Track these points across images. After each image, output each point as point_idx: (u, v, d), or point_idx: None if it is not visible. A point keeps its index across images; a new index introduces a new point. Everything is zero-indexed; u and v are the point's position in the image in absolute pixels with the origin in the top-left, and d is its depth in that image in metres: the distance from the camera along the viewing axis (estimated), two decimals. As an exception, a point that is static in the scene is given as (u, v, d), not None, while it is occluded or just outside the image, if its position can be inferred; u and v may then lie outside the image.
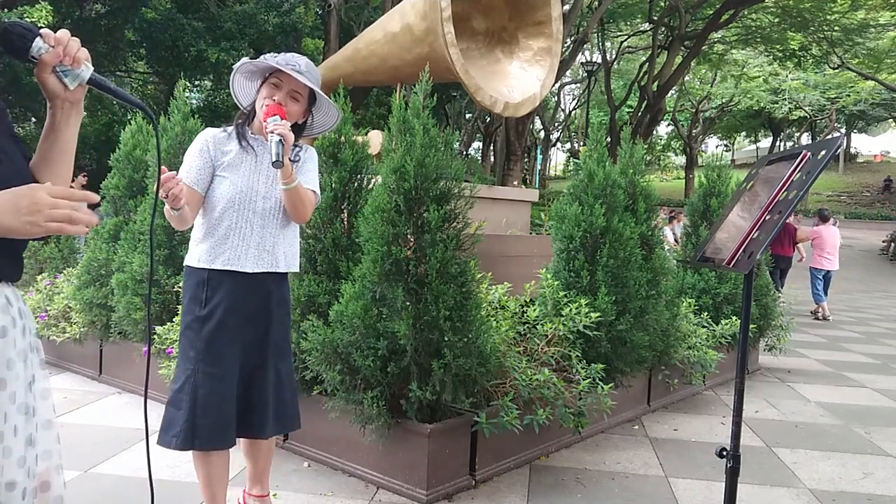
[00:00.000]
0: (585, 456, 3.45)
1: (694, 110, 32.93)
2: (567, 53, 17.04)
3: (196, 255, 2.13)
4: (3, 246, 1.13)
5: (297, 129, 2.26)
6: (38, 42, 1.16)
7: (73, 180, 1.33)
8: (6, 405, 1.12)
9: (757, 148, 45.43)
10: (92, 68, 1.22)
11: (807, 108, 32.15)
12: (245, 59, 2.12)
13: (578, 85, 34.38)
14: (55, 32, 1.19)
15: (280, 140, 1.99)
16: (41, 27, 1.20)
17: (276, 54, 2.11)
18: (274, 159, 1.97)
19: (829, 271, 10.07)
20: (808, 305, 10.37)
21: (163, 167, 1.73)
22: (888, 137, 47.12)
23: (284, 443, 3.33)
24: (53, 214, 1.02)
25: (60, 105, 1.21)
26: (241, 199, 2.11)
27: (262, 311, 2.18)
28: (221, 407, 2.09)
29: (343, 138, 3.23)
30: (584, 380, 3.24)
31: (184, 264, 2.21)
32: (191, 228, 2.19)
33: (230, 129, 2.20)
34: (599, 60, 24.33)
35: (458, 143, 24.69)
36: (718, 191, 5.48)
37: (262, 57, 2.09)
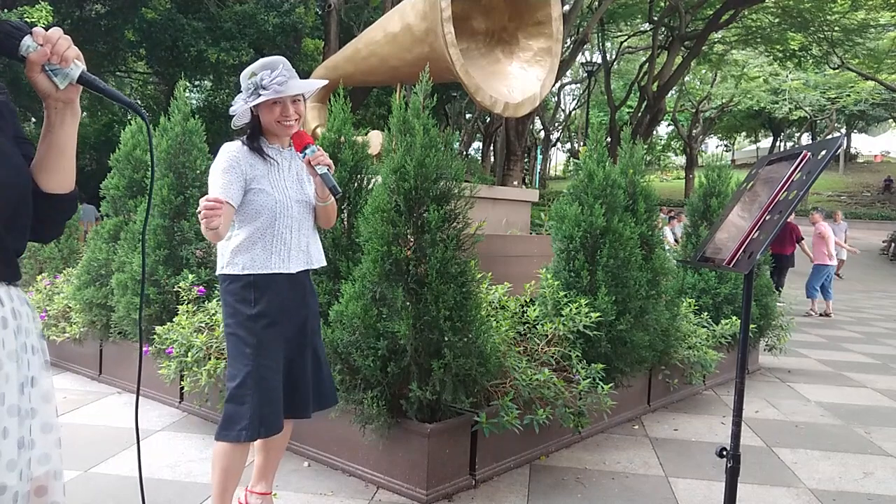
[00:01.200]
0: (585, 456, 3.45)
1: (694, 110, 32.92)
2: (567, 53, 17.04)
3: (240, 264, 2.22)
4: None
5: None
6: (26, 40, 1.14)
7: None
8: None
9: (757, 148, 45.41)
10: (82, 67, 1.19)
11: (807, 109, 32.14)
12: (258, 100, 2.18)
13: (578, 85, 34.38)
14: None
15: (328, 169, 2.20)
16: (35, 25, 1.18)
17: (268, 72, 2.19)
18: (337, 193, 2.21)
19: (834, 267, 10.18)
20: (808, 306, 10.35)
21: (216, 198, 1.96)
22: (888, 137, 47.09)
23: (284, 443, 3.33)
24: None
25: (53, 105, 1.18)
26: (281, 209, 2.23)
27: (302, 304, 2.34)
28: (279, 396, 2.25)
29: (343, 138, 3.24)
30: (584, 380, 3.24)
31: (220, 273, 2.28)
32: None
33: (245, 143, 2.28)
34: (599, 60, 24.33)
35: (458, 143, 24.70)
36: (718, 191, 5.48)
37: (260, 82, 2.18)
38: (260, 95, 2.17)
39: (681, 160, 43.28)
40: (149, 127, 1.45)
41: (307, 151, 2.19)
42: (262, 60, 2.24)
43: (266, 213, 2.22)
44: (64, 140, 1.20)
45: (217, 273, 2.32)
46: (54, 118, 1.19)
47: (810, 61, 23.67)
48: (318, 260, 2.41)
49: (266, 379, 2.20)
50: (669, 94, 23.40)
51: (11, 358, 1.13)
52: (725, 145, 46.52)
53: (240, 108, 2.23)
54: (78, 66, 1.19)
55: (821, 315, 10.13)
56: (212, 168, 2.23)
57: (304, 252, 2.32)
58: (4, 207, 1.09)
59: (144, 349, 4.11)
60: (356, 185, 3.25)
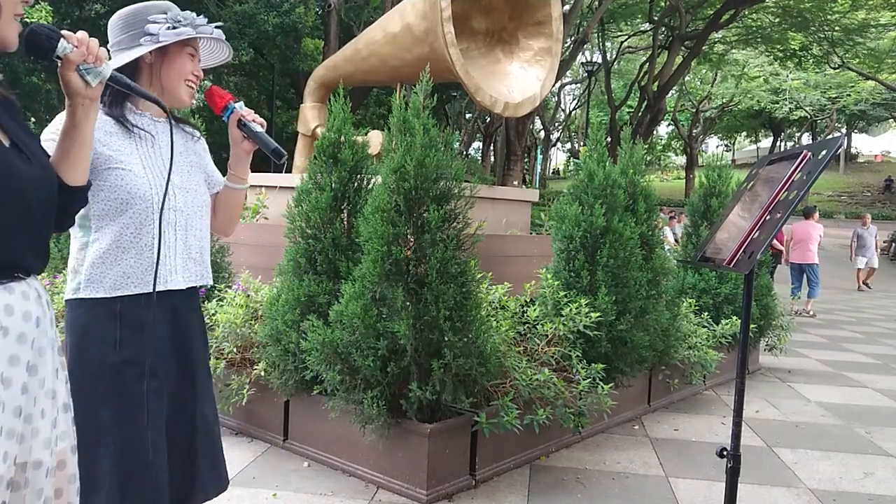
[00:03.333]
0: (585, 456, 3.45)
1: (694, 110, 32.93)
2: (567, 53, 17.03)
3: (106, 283, 1.56)
4: (33, 240, 1.22)
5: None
6: (63, 42, 1.23)
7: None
8: (36, 390, 1.21)
9: (757, 148, 45.41)
10: (112, 67, 1.31)
11: (807, 108, 32.15)
12: (176, 32, 1.61)
13: (578, 85, 34.38)
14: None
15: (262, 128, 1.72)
16: (62, 30, 1.27)
17: (181, 12, 1.65)
18: (281, 155, 1.66)
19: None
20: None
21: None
22: (889, 137, 47.12)
23: (285, 442, 3.33)
24: None
25: (81, 102, 1.29)
26: (158, 195, 1.60)
27: (188, 339, 1.71)
28: (164, 483, 1.59)
29: (343, 138, 3.23)
30: (584, 380, 3.24)
31: (71, 299, 1.60)
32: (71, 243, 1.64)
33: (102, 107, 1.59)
34: (599, 60, 24.33)
35: (458, 143, 24.69)
36: (719, 191, 5.48)
37: (178, 17, 1.63)
38: (186, 30, 1.60)
39: (681, 160, 43.30)
40: (171, 121, 1.53)
41: (234, 106, 1.68)
42: (147, 3, 1.64)
43: (137, 203, 1.57)
44: (86, 135, 1.33)
45: (66, 298, 1.61)
46: (80, 115, 1.31)
47: (811, 61, 23.66)
48: (209, 276, 1.78)
49: (141, 461, 1.53)
50: (669, 94, 23.40)
51: (50, 345, 1.25)
52: (726, 145, 46.53)
53: (130, 56, 1.58)
54: (108, 66, 1.30)
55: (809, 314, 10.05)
56: (43, 136, 1.50)
57: (194, 261, 1.70)
58: (43, 204, 1.22)
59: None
60: (356, 184, 3.25)
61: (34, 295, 1.22)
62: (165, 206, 1.61)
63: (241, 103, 1.73)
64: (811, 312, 10.04)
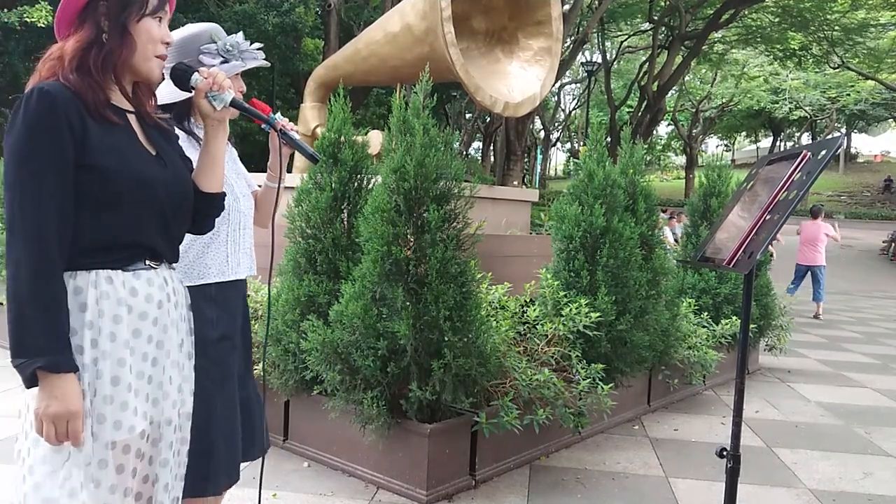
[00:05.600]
0: (585, 456, 3.45)
1: (694, 110, 32.94)
2: (567, 53, 17.04)
3: (194, 273, 1.85)
4: (162, 233, 1.45)
5: None
6: (195, 75, 1.51)
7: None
8: (164, 360, 1.45)
9: (757, 148, 45.46)
10: (234, 93, 1.55)
11: (807, 108, 32.16)
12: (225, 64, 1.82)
13: (578, 85, 34.38)
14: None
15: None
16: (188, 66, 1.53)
17: (234, 36, 1.85)
18: (317, 159, 1.84)
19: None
20: (807, 306, 10.31)
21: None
22: (888, 137, 47.13)
23: (285, 442, 3.33)
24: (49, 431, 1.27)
25: (211, 123, 1.56)
26: (232, 202, 1.90)
27: (248, 319, 2.05)
28: (243, 434, 1.92)
29: (343, 138, 3.24)
30: (584, 380, 3.24)
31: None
32: None
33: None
34: (599, 60, 24.34)
35: (458, 143, 24.68)
36: (719, 191, 5.48)
37: (231, 46, 1.83)
38: (237, 64, 1.82)
39: (681, 160, 43.32)
40: (280, 138, 1.79)
41: (275, 117, 1.81)
42: (198, 26, 1.85)
43: None
44: (216, 150, 1.58)
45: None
46: (211, 133, 1.57)
47: (810, 61, 23.69)
48: (255, 267, 2.04)
49: (234, 417, 1.86)
50: (669, 94, 23.42)
51: (173, 325, 1.48)
52: (725, 145, 46.56)
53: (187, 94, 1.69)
54: (230, 93, 1.53)
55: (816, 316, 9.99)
56: None
57: (247, 256, 1.99)
58: (173, 203, 1.45)
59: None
60: (356, 185, 3.25)
61: (159, 282, 1.46)
62: (234, 209, 1.92)
63: (279, 113, 1.91)
64: (820, 315, 9.93)
